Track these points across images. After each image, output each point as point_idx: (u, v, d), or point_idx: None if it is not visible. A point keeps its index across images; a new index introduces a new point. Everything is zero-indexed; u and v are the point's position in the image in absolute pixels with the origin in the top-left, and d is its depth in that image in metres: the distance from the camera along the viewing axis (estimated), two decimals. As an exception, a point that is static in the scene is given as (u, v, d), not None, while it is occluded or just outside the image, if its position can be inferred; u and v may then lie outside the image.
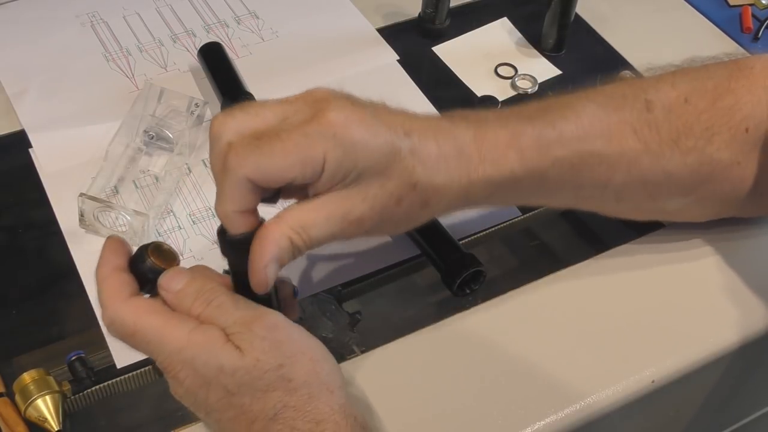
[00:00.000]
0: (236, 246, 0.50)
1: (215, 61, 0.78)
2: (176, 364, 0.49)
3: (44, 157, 0.72)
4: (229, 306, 0.50)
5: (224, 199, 0.49)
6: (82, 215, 0.65)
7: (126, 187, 0.69)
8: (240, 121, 0.49)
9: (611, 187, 0.60)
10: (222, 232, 0.50)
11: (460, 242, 0.67)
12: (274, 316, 0.50)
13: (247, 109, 0.50)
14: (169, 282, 0.51)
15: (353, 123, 0.49)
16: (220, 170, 0.49)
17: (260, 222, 0.50)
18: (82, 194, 0.64)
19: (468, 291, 0.64)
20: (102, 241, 0.64)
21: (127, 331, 0.50)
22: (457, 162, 0.54)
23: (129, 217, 0.64)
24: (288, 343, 0.49)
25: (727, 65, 0.63)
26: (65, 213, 0.67)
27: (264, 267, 0.49)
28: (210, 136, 0.50)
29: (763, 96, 0.61)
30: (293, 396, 0.48)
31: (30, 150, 0.72)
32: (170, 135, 0.71)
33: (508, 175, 0.55)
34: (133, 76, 0.80)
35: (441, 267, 0.64)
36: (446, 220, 0.68)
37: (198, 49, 0.79)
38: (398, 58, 0.82)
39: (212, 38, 0.83)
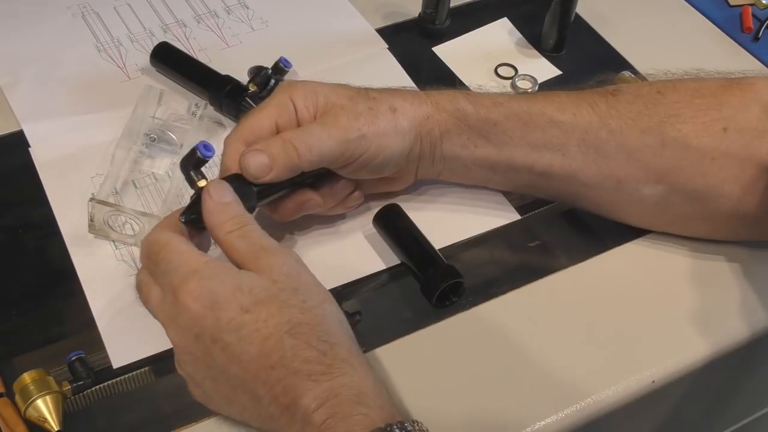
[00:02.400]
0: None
1: (175, 64, 0.78)
2: (190, 283, 0.50)
3: (39, 147, 0.72)
4: (257, 233, 0.54)
5: (225, 163, 0.59)
6: (92, 220, 0.64)
7: (127, 189, 0.69)
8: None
9: (570, 156, 0.62)
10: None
11: (460, 242, 0.67)
12: (295, 256, 0.54)
13: None
14: (218, 191, 0.55)
15: (310, 81, 0.62)
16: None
17: None
18: (92, 198, 0.64)
19: (448, 303, 0.63)
20: (106, 244, 0.65)
21: (156, 248, 0.53)
22: (406, 91, 0.64)
23: (139, 219, 0.64)
24: (304, 276, 0.53)
25: (726, 79, 0.63)
26: (65, 213, 0.67)
27: (246, 152, 0.58)
28: None
29: (754, 108, 0.60)
30: (307, 315, 0.50)
31: (30, 149, 0.72)
32: (173, 136, 0.71)
33: (458, 109, 0.63)
34: (124, 66, 0.80)
35: (420, 279, 0.64)
36: (447, 220, 0.68)
37: (150, 54, 0.79)
38: (387, 46, 0.83)
39: (203, 28, 0.84)
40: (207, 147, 0.57)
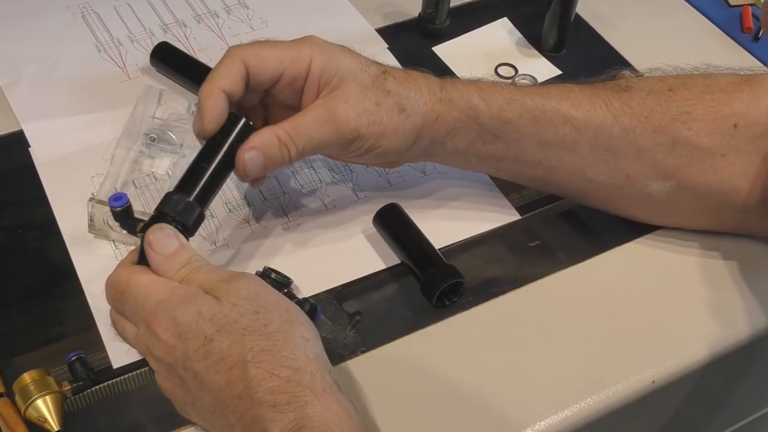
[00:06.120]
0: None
1: (175, 63, 0.78)
2: (158, 315, 0.51)
3: (39, 147, 0.72)
4: (211, 269, 0.53)
5: (214, 76, 0.57)
6: (92, 220, 0.64)
7: (126, 189, 0.69)
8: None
9: (580, 154, 0.62)
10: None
11: (460, 242, 0.67)
12: (253, 277, 0.53)
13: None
14: (159, 242, 0.54)
15: (335, 46, 0.60)
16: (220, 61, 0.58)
17: (229, 116, 0.58)
18: (92, 198, 0.64)
19: (448, 303, 0.63)
20: (106, 244, 0.64)
21: (119, 288, 0.53)
22: (424, 81, 0.62)
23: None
24: (264, 296, 0.52)
25: (735, 75, 0.63)
26: (65, 213, 0.67)
27: (245, 152, 0.57)
28: None
29: (764, 102, 0.60)
30: (269, 340, 0.49)
31: (30, 149, 0.72)
32: (173, 136, 0.71)
33: (470, 107, 0.61)
34: (124, 65, 0.80)
35: (420, 279, 0.64)
36: (447, 220, 0.68)
37: (150, 54, 0.79)
38: (387, 46, 0.83)
39: (203, 28, 0.84)
40: (116, 198, 0.56)
